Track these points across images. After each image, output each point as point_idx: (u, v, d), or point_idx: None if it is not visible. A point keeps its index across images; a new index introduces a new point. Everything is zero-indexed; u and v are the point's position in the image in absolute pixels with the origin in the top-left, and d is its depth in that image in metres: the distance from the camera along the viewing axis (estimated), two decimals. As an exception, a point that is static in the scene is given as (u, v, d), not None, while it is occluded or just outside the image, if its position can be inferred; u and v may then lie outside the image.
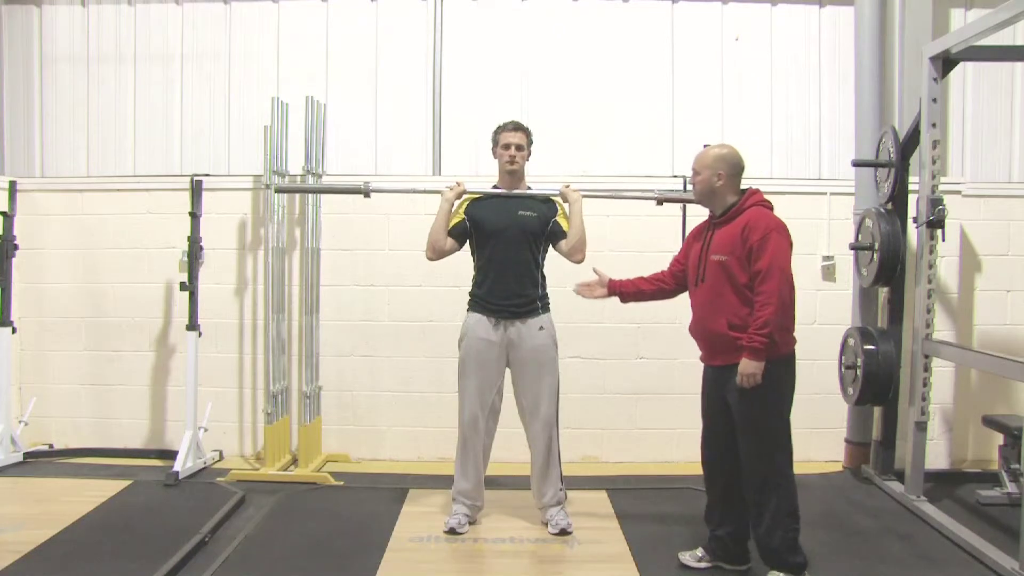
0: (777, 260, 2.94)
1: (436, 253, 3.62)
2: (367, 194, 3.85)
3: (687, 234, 3.41)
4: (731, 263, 3.02)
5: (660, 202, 3.91)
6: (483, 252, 3.61)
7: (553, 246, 3.63)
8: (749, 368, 2.94)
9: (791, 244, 3.05)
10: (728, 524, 3.20)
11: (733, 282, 3.02)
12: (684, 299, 3.49)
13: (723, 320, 3.04)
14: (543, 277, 3.63)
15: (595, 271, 3.49)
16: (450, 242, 3.61)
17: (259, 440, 4.90)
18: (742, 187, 3.15)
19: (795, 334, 3.11)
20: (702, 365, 3.26)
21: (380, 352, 4.89)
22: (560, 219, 3.62)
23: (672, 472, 4.63)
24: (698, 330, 3.21)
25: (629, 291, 3.45)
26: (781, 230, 3.02)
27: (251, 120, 5.01)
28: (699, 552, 3.29)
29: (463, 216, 3.62)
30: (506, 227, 3.55)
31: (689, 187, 3.36)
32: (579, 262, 3.60)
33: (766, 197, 3.14)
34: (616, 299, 3.50)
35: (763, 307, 2.92)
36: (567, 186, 3.63)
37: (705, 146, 3.21)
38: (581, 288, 3.51)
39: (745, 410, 3.03)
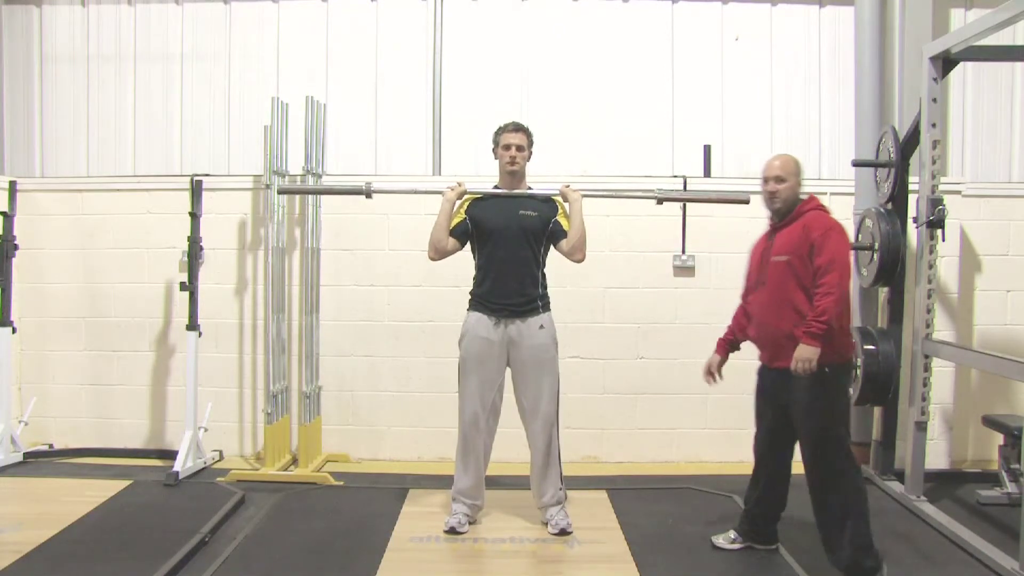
0: (838, 255, 3.04)
1: (438, 253, 3.62)
2: (369, 195, 3.86)
3: (753, 246, 3.39)
4: (794, 261, 3.09)
5: (660, 202, 3.91)
6: (484, 251, 3.61)
7: (554, 246, 3.63)
8: (805, 353, 2.98)
9: (850, 246, 3.15)
10: (764, 503, 3.34)
11: (798, 280, 3.09)
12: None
13: (789, 320, 3.08)
14: (544, 276, 3.63)
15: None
16: (452, 242, 3.61)
17: (259, 440, 4.90)
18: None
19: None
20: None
21: (380, 352, 4.89)
22: (561, 218, 3.61)
23: (672, 472, 4.64)
24: (760, 334, 3.25)
25: (740, 338, 3.42)
26: (840, 231, 3.11)
27: (251, 120, 5.02)
28: (731, 534, 3.44)
29: (464, 216, 3.62)
30: (507, 226, 3.55)
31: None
32: (579, 261, 3.60)
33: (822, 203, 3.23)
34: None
35: (823, 296, 2.98)
36: (567, 186, 3.63)
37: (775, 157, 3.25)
38: (707, 378, 3.47)
39: (807, 416, 3.08)
